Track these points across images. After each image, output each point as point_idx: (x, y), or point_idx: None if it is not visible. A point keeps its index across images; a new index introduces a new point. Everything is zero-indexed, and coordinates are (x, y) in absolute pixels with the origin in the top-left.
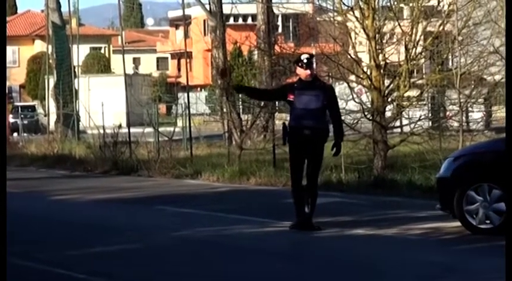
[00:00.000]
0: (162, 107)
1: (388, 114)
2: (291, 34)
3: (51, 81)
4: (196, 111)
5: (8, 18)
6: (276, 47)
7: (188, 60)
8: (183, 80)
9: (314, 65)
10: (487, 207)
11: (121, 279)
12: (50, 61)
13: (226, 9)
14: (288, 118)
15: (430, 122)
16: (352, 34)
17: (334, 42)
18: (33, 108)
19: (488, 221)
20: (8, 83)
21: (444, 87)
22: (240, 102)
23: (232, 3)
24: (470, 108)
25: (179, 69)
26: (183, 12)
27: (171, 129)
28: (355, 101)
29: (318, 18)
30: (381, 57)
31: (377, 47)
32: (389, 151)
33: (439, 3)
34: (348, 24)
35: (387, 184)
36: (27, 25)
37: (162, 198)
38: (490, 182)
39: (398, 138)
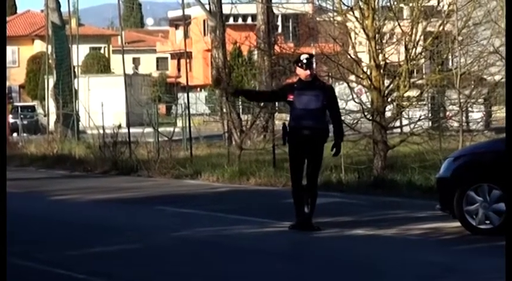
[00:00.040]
0: (162, 107)
1: (388, 114)
2: (291, 34)
3: (51, 81)
4: (196, 111)
5: (7, 18)
6: (276, 47)
7: (188, 60)
8: (182, 80)
9: (314, 65)
10: (487, 207)
11: (121, 279)
12: (50, 61)
13: (226, 9)
14: (288, 118)
15: (430, 122)
16: (352, 34)
17: (334, 42)
18: (32, 108)
19: (488, 222)
20: (7, 83)
21: (444, 87)
22: (240, 103)
23: (232, 3)
24: (470, 109)
25: (179, 70)
26: (183, 12)
27: (171, 129)
28: (355, 101)
29: (317, 18)
30: (380, 57)
31: (377, 47)
32: (389, 151)
33: (439, 3)
34: (347, 24)
35: (387, 184)
36: (26, 25)
37: (161, 198)
38: (490, 182)
39: (398, 139)
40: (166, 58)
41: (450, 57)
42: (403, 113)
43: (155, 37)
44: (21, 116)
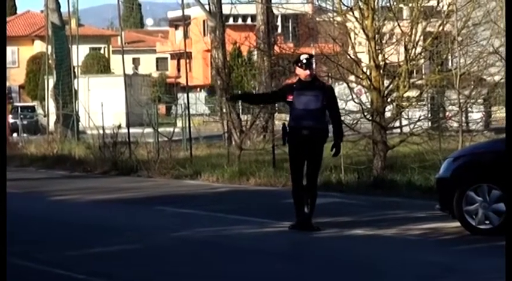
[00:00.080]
0: (162, 108)
1: (387, 114)
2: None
3: (51, 81)
4: (195, 111)
5: (7, 19)
6: (276, 48)
7: (188, 60)
8: (182, 80)
9: (313, 66)
10: (487, 207)
11: (120, 279)
12: (50, 61)
13: (226, 9)
14: (288, 118)
15: (430, 123)
16: (352, 34)
17: (333, 42)
18: (32, 108)
19: (487, 222)
20: (7, 84)
21: (444, 87)
22: (240, 103)
23: (232, 3)
24: (469, 109)
25: (179, 70)
26: (183, 12)
27: (171, 129)
28: (354, 102)
29: (317, 19)
30: (380, 57)
31: (376, 48)
32: (389, 151)
33: (438, 4)
34: (347, 24)
35: (387, 185)
36: (26, 25)
37: (161, 198)
38: (490, 182)
39: (397, 139)
40: (166, 58)
41: (450, 57)
42: (403, 113)
43: (155, 37)
44: (21, 116)
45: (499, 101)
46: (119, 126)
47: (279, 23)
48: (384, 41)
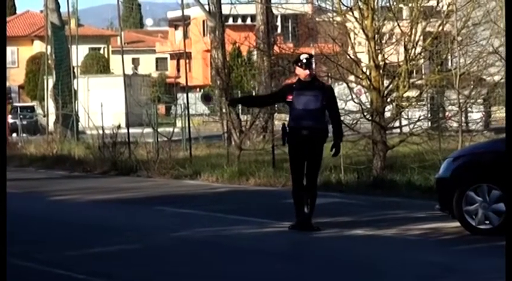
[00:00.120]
0: (161, 108)
1: (387, 114)
2: (290, 34)
3: (50, 81)
4: (195, 111)
5: (7, 19)
6: (275, 48)
7: (187, 60)
8: (182, 80)
9: (313, 65)
10: (487, 207)
11: (120, 279)
12: (49, 62)
13: (226, 9)
14: (287, 119)
15: (430, 123)
16: (352, 34)
17: (333, 42)
18: (32, 108)
19: (487, 222)
20: (7, 84)
21: (443, 87)
22: None
23: (232, 3)
24: (469, 109)
25: (178, 70)
26: (182, 12)
27: (170, 129)
28: (354, 102)
29: (317, 19)
30: (380, 57)
31: (376, 48)
32: (389, 151)
33: (438, 4)
34: (347, 24)
35: (386, 185)
36: (26, 26)
37: (161, 198)
38: (490, 182)
39: (397, 139)
40: (166, 58)
41: (449, 57)
42: (403, 113)
43: (154, 37)
44: (21, 116)
45: (498, 101)
46: (119, 127)
47: (278, 23)
48: (383, 41)
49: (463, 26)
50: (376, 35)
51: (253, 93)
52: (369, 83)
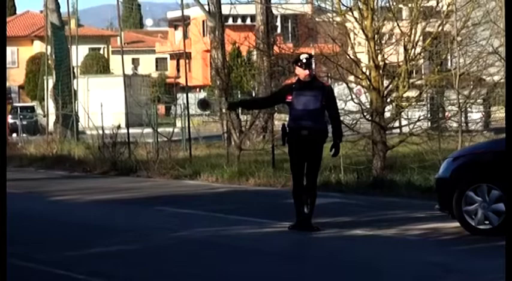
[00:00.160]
0: (161, 108)
1: (387, 114)
2: (290, 35)
3: (50, 82)
4: (195, 111)
5: (7, 19)
6: (275, 48)
7: (187, 60)
8: (182, 80)
9: (313, 66)
10: (486, 207)
11: (120, 279)
12: (49, 62)
13: (225, 9)
14: (287, 119)
15: (429, 123)
16: (351, 35)
17: (333, 42)
18: (32, 109)
19: (487, 222)
20: (7, 84)
21: (443, 87)
22: None
23: (231, 3)
24: (469, 109)
25: (178, 70)
26: (182, 13)
27: (170, 129)
28: (354, 102)
29: (317, 19)
30: (379, 57)
31: (376, 48)
32: (389, 151)
33: (438, 4)
34: (346, 24)
35: (386, 185)
36: (26, 26)
37: (161, 199)
38: (489, 182)
39: (397, 139)
40: (166, 59)
41: (449, 57)
42: (402, 113)
43: (154, 38)
44: (21, 116)
45: (498, 101)
46: (118, 127)
47: (278, 23)
48: (383, 41)
49: (463, 26)
50: (375, 35)
51: (253, 94)
52: (368, 83)
